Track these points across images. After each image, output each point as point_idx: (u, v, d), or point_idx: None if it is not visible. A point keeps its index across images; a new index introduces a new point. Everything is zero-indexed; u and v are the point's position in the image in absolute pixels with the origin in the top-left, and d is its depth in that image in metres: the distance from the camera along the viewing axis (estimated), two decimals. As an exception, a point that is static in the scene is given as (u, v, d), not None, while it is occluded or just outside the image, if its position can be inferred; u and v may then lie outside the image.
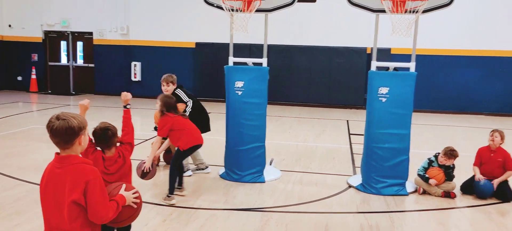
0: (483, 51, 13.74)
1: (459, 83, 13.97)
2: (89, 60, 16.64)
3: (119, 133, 3.39)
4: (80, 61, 16.84)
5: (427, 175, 5.78)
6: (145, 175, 4.99)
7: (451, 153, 5.73)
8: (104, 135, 3.24)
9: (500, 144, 5.79)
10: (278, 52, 14.51)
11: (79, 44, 16.70)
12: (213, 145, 8.17)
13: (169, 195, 5.20)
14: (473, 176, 5.80)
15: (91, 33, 16.26)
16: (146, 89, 15.41)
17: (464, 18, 13.38)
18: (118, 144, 3.34)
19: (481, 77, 13.86)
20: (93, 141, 3.25)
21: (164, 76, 6.10)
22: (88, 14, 16.00)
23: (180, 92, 6.10)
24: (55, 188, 2.41)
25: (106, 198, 2.48)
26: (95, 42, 16.25)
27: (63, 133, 2.37)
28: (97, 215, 2.42)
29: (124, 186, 2.83)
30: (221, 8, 6.10)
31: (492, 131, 5.87)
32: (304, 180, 6.35)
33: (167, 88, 6.03)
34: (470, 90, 13.94)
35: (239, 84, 6.07)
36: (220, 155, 6.62)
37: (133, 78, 15.78)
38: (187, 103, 6.05)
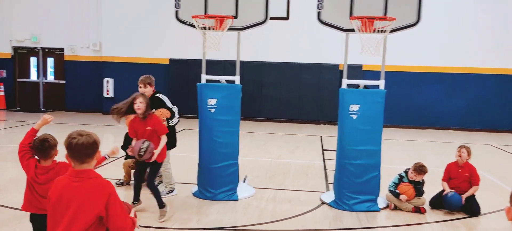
0: (449, 68, 14.20)
1: (426, 98, 14.35)
2: (60, 76, 16.32)
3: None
4: (50, 78, 16.49)
5: (398, 191, 5.88)
6: (144, 155, 4.93)
7: (420, 169, 5.86)
8: (41, 145, 3.32)
9: (467, 159, 5.95)
10: (250, 69, 14.59)
11: (50, 60, 16.37)
12: (186, 162, 8.11)
13: (162, 206, 5.16)
14: (442, 191, 5.93)
15: (62, 49, 15.98)
16: (118, 106, 15.15)
17: (431, 36, 13.81)
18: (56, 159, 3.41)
19: (447, 93, 14.29)
20: (33, 149, 3.37)
21: (142, 77, 5.77)
22: (60, 29, 15.74)
23: (163, 97, 5.87)
24: (72, 201, 2.48)
25: (125, 210, 2.62)
26: (66, 58, 15.96)
27: (88, 147, 2.55)
28: (119, 226, 2.53)
29: (134, 210, 2.93)
30: (193, 26, 6.11)
31: (459, 147, 6.03)
32: (278, 197, 6.35)
33: (145, 90, 5.67)
34: (437, 105, 14.34)
35: (212, 101, 6.06)
36: (193, 172, 6.57)
37: (105, 95, 15.55)
38: (173, 110, 5.81)
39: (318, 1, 5.89)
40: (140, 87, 5.73)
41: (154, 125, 5.04)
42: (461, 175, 5.92)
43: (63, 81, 16.18)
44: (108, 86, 15.55)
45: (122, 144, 6.77)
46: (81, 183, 2.51)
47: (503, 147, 11.41)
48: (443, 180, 6.02)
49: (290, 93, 14.80)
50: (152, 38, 15.18)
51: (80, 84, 15.89)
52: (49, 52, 16.24)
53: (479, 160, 6.65)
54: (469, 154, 5.94)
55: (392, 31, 5.71)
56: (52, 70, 16.43)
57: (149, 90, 5.73)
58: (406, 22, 5.77)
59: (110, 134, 11.73)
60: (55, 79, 16.42)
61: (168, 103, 5.83)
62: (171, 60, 15.20)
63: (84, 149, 2.53)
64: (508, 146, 11.61)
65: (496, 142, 12.22)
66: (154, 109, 5.55)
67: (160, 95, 5.85)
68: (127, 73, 15.36)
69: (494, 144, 11.90)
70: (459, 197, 5.75)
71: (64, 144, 2.58)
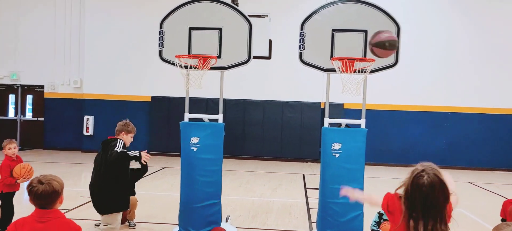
0: (430, 107, 14.54)
1: (407, 137, 14.58)
2: (38, 114, 16.07)
3: None
4: (29, 115, 16.22)
5: (380, 230, 5.87)
6: None
7: None
8: None
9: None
10: (233, 107, 14.67)
11: (29, 98, 16.15)
12: (167, 201, 7.97)
13: None
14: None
15: (42, 87, 15.81)
16: (98, 144, 14.93)
17: (412, 76, 14.18)
18: None
19: (428, 131, 14.57)
20: None
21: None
22: (40, 67, 15.62)
23: None
24: None
25: None
26: (46, 96, 15.78)
27: (47, 196, 2.65)
28: None
29: None
30: (177, 65, 6.15)
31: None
32: None
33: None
34: (418, 143, 14.56)
35: (195, 140, 6.03)
36: (174, 212, 6.44)
37: (85, 133, 15.32)
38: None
39: (300, 42, 6.03)
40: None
41: None
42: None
43: (42, 119, 15.92)
44: (88, 124, 15.36)
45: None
46: (46, 223, 2.61)
47: (482, 185, 11.58)
48: None
49: (273, 131, 14.85)
50: (133, 75, 15.18)
51: (60, 122, 15.66)
52: (28, 89, 16.04)
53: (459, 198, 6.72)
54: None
55: (372, 72, 5.85)
56: (31, 107, 16.19)
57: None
58: (385, 64, 5.93)
59: (88, 173, 11.47)
60: (33, 116, 16.15)
61: None
62: (152, 97, 15.18)
63: (43, 198, 2.64)
64: (487, 183, 11.80)
65: (476, 179, 12.41)
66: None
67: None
68: (108, 110, 15.25)
69: (473, 181, 12.08)
70: None
71: (26, 188, 2.71)
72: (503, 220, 5.27)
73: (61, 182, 2.74)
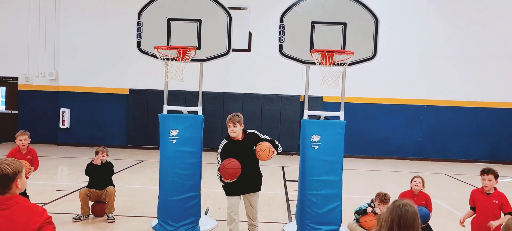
0: (406, 100, 14.79)
1: (384, 129, 14.80)
2: (12, 106, 15.66)
3: None
4: (1, 107, 15.80)
5: (360, 221, 5.96)
6: None
7: (384, 198, 5.95)
8: None
9: (422, 189, 6.11)
10: (212, 100, 14.61)
11: (2, 90, 15.73)
12: (146, 194, 7.91)
13: None
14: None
15: (16, 78, 15.41)
16: (75, 137, 14.74)
17: (388, 70, 14.36)
18: None
19: (404, 124, 14.83)
20: None
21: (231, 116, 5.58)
22: (14, 58, 15.19)
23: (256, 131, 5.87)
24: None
25: None
26: (20, 88, 15.38)
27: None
28: None
29: None
30: (155, 56, 6.08)
31: (414, 177, 6.20)
32: (240, 229, 6.27)
33: (235, 130, 5.55)
34: (394, 136, 14.81)
35: (174, 132, 5.98)
36: (153, 205, 6.40)
37: (61, 126, 15.01)
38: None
39: (280, 34, 6.03)
40: (230, 126, 5.60)
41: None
42: (417, 203, 6.06)
43: (16, 112, 15.53)
44: (64, 117, 15.05)
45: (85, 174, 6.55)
46: (9, 210, 2.48)
47: (456, 176, 11.87)
48: None
49: (252, 124, 14.81)
50: (111, 67, 14.91)
51: (35, 115, 15.29)
52: (1, 81, 15.61)
53: (434, 189, 6.88)
54: (423, 184, 6.11)
55: (350, 64, 5.91)
56: (4, 100, 15.78)
57: (239, 129, 5.63)
58: (363, 56, 5.99)
59: (65, 166, 11.27)
60: (6, 109, 15.74)
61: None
62: (130, 90, 14.97)
63: None
64: (460, 174, 12.09)
65: (450, 171, 12.70)
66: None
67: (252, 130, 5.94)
68: (85, 103, 14.97)
69: (448, 172, 12.36)
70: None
71: None
72: (472, 208, 5.42)
73: (14, 165, 2.55)
